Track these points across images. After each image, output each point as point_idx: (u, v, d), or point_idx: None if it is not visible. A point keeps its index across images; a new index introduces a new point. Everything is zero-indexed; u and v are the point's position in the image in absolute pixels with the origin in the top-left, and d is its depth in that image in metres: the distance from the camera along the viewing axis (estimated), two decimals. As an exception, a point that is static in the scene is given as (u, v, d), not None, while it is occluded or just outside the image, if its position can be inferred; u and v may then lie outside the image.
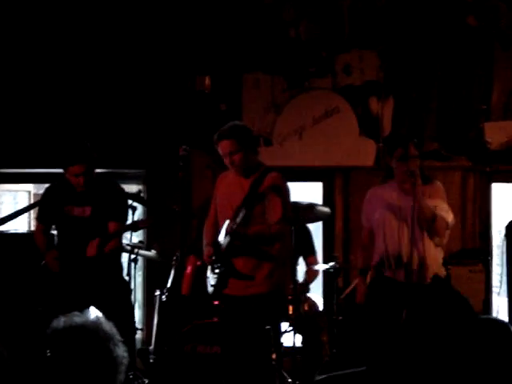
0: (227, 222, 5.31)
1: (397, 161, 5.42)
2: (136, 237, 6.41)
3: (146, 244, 6.69)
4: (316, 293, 6.87)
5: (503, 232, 6.55)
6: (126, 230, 5.69)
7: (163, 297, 6.01)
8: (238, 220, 5.23)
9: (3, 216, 6.08)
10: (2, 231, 6.63)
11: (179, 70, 7.38)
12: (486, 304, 6.88)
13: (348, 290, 6.39)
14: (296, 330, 5.56)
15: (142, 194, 6.32)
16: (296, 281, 5.55)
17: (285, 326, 5.61)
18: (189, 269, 5.71)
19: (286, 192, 5.39)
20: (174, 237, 6.16)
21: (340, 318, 6.11)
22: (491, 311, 6.83)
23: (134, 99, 7.37)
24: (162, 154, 7.23)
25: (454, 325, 2.53)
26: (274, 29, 7.40)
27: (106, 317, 2.44)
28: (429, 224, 5.34)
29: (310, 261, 6.59)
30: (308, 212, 5.83)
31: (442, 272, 5.51)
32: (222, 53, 7.39)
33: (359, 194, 6.00)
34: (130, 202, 5.76)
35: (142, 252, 6.22)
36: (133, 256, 6.03)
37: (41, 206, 5.80)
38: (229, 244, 5.28)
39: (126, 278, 5.88)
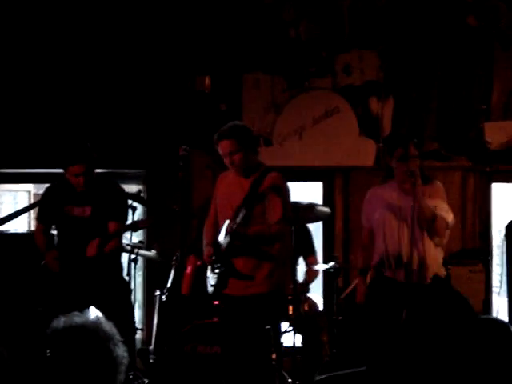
0: (227, 221, 5.31)
1: (397, 161, 5.42)
2: (136, 237, 6.41)
3: (146, 244, 6.69)
4: (316, 293, 6.87)
5: (503, 232, 6.55)
6: (126, 230, 5.69)
7: (163, 297, 6.00)
8: (238, 220, 5.23)
9: (3, 216, 6.08)
10: (2, 231, 6.63)
11: (179, 70, 7.38)
12: (486, 304, 6.88)
13: (348, 290, 6.39)
14: (296, 330, 5.56)
15: (141, 194, 6.31)
16: (296, 281, 5.55)
17: (285, 325, 5.61)
18: (189, 269, 5.71)
19: (286, 192, 5.39)
20: (173, 237, 6.16)
21: (340, 317, 6.11)
22: (491, 311, 6.83)
23: (134, 99, 7.37)
24: (162, 154, 7.24)
25: (454, 325, 2.53)
26: (274, 29, 7.40)
27: (105, 317, 2.44)
28: (429, 224, 5.34)
29: (310, 261, 6.59)
30: (308, 212, 5.83)
31: (442, 272, 5.51)
32: (222, 53, 7.39)
33: (359, 194, 6.00)
34: (130, 202, 5.76)
35: (142, 252, 6.22)
36: (133, 256, 6.03)
37: (41, 205, 5.80)
38: (229, 244, 5.28)
39: (126, 278, 5.88)
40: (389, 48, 7.35)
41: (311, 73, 7.42)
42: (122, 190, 5.75)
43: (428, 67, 7.31)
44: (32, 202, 7.67)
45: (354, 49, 7.37)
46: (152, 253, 6.43)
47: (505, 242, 6.48)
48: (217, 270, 5.33)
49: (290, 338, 5.54)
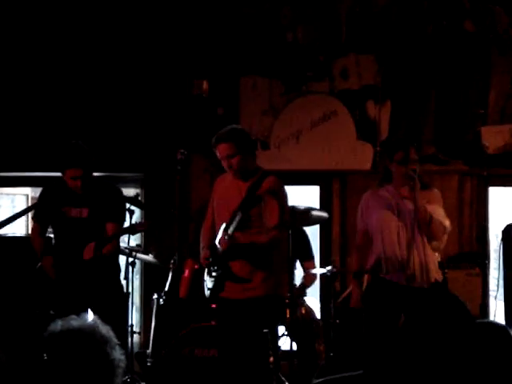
0: (223, 226, 5.31)
1: (397, 164, 5.44)
2: (134, 240, 6.41)
3: (143, 247, 6.69)
4: (313, 297, 6.87)
5: (500, 236, 6.56)
6: (123, 233, 5.69)
7: (161, 300, 6.00)
8: (231, 230, 5.22)
9: (1, 220, 6.08)
10: (-1, 235, 6.63)
11: (177, 74, 7.39)
12: (483, 308, 6.88)
13: (345, 294, 6.38)
14: (291, 337, 5.54)
15: (139, 198, 6.31)
16: (293, 284, 5.56)
17: (282, 329, 5.61)
18: (186, 272, 5.71)
19: (284, 196, 5.39)
20: (171, 240, 6.17)
21: (337, 321, 6.11)
22: (488, 315, 6.83)
23: (132, 103, 7.37)
24: (159, 158, 7.24)
25: (452, 329, 2.53)
26: (271, 33, 7.41)
27: (100, 319, 2.45)
28: (426, 226, 5.36)
29: (308, 265, 6.58)
30: (305, 216, 5.84)
31: (440, 276, 5.54)
32: (220, 57, 7.40)
33: (356, 197, 6.00)
34: (127, 205, 5.77)
35: (139, 255, 6.22)
36: (131, 259, 6.04)
37: (38, 205, 5.80)
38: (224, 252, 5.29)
39: (124, 281, 5.87)
40: (386, 52, 7.36)
41: (309, 77, 7.43)
42: (120, 191, 5.75)
43: (425, 71, 7.32)
44: (30, 205, 7.66)
45: (352, 53, 7.39)
46: (150, 256, 6.43)
47: (501, 246, 6.49)
48: (214, 273, 5.33)
49: (288, 342, 5.54)
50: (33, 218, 5.89)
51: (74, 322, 2.39)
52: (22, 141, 7.30)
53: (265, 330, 5.17)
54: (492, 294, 6.73)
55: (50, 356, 2.34)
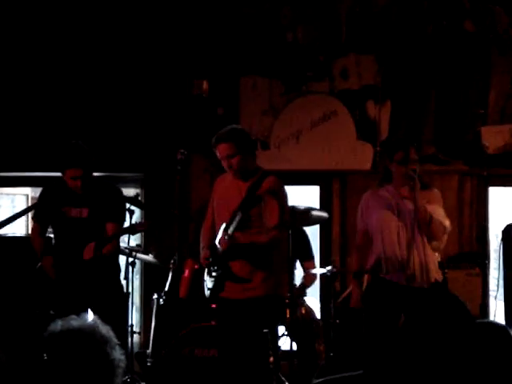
0: (223, 226, 5.31)
1: (397, 164, 5.44)
2: (134, 240, 6.41)
3: (143, 247, 6.69)
4: (313, 297, 6.87)
5: (500, 236, 6.56)
6: (123, 233, 5.69)
7: (161, 300, 6.01)
8: (231, 230, 5.22)
9: (1, 220, 6.08)
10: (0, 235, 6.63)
11: (177, 74, 7.39)
12: (483, 308, 6.88)
13: (345, 294, 6.38)
14: (291, 337, 5.54)
15: (139, 198, 6.31)
16: (293, 284, 5.56)
17: (282, 329, 5.61)
18: (186, 272, 5.71)
19: (284, 196, 5.39)
20: (171, 240, 6.18)
21: (337, 321, 6.11)
22: (488, 315, 6.83)
23: (132, 103, 7.37)
24: (160, 158, 7.24)
25: (452, 329, 2.53)
26: (271, 33, 7.41)
27: (100, 319, 2.45)
28: (426, 226, 5.36)
29: (308, 265, 6.58)
30: (305, 216, 5.84)
31: (440, 276, 5.54)
32: (220, 57, 7.40)
33: (356, 197, 6.00)
34: (128, 205, 5.77)
35: (139, 255, 6.22)
36: (131, 259, 6.04)
37: (38, 205, 5.80)
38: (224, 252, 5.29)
39: (124, 281, 5.87)
40: (386, 52, 7.36)
41: (309, 77, 7.43)
42: (120, 191, 5.75)
43: (425, 71, 7.32)
44: (29, 205, 7.66)
45: (352, 53, 7.39)
46: (150, 256, 6.44)
47: (501, 246, 6.49)
48: (214, 273, 5.34)
49: (288, 342, 5.54)
50: (33, 218, 5.89)
51: (74, 321, 2.39)
52: (22, 141, 7.31)
53: (265, 330, 5.17)
54: (492, 294, 6.73)
55: (50, 356, 2.34)
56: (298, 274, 6.49)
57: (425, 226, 5.36)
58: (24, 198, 7.96)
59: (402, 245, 5.40)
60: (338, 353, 6.03)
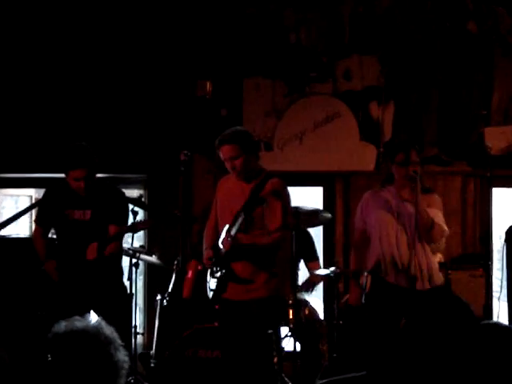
0: (226, 227, 5.31)
1: (397, 165, 5.43)
2: (137, 241, 6.42)
3: (147, 249, 6.69)
4: (316, 298, 6.87)
5: (503, 237, 6.55)
6: (125, 232, 5.69)
7: (164, 301, 6.01)
8: (234, 231, 5.22)
9: (3, 220, 6.08)
10: (3, 236, 6.63)
11: (180, 76, 7.40)
12: (486, 309, 6.88)
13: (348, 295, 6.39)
14: (295, 337, 5.54)
15: (143, 199, 6.32)
16: (296, 285, 5.56)
17: (285, 330, 5.61)
18: (190, 273, 5.71)
19: (287, 198, 5.39)
20: (175, 241, 6.18)
21: (340, 322, 6.11)
22: (492, 316, 6.82)
23: (135, 104, 7.38)
24: (163, 159, 7.25)
25: (455, 330, 2.53)
26: (274, 34, 7.41)
27: (104, 320, 2.45)
28: (427, 230, 5.35)
29: (312, 266, 6.58)
30: (313, 217, 5.84)
31: (441, 278, 5.56)
32: (223, 58, 7.41)
33: (359, 198, 6.01)
34: (131, 206, 5.77)
35: (143, 256, 6.22)
36: (134, 260, 6.04)
37: (40, 208, 5.80)
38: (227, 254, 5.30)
39: (127, 282, 5.88)
40: (389, 53, 7.36)
41: (312, 78, 7.44)
42: (122, 193, 5.75)
43: (428, 72, 7.33)
44: (31, 204, 7.66)
45: (355, 54, 7.39)
46: (153, 257, 6.44)
47: (505, 247, 6.48)
48: (216, 274, 5.34)
49: (291, 343, 5.54)
50: (35, 221, 5.89)
51: (78, 323, 2.39)
52: (26, 142, 7.32)
53: (269, 331, 5.17)
54: (495, 294, 6.73)
55: (55, 357, 2.34)
56: (301, 274, 6.49)
57: (424, 230, 5.35)
58: (28, 199, 7.96)
59: (401, 247, 5.39)
60: (342, 353, 6.02)
